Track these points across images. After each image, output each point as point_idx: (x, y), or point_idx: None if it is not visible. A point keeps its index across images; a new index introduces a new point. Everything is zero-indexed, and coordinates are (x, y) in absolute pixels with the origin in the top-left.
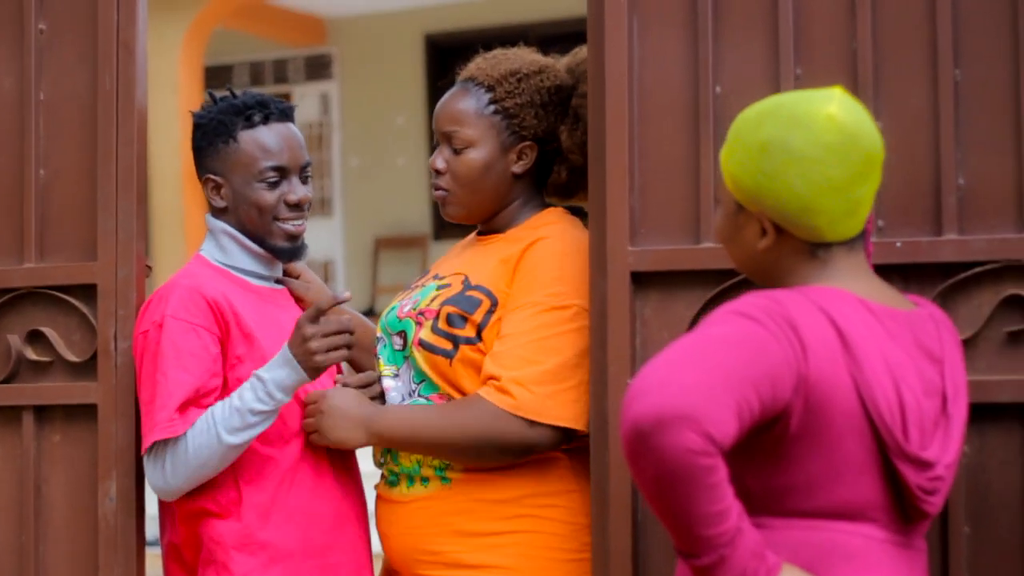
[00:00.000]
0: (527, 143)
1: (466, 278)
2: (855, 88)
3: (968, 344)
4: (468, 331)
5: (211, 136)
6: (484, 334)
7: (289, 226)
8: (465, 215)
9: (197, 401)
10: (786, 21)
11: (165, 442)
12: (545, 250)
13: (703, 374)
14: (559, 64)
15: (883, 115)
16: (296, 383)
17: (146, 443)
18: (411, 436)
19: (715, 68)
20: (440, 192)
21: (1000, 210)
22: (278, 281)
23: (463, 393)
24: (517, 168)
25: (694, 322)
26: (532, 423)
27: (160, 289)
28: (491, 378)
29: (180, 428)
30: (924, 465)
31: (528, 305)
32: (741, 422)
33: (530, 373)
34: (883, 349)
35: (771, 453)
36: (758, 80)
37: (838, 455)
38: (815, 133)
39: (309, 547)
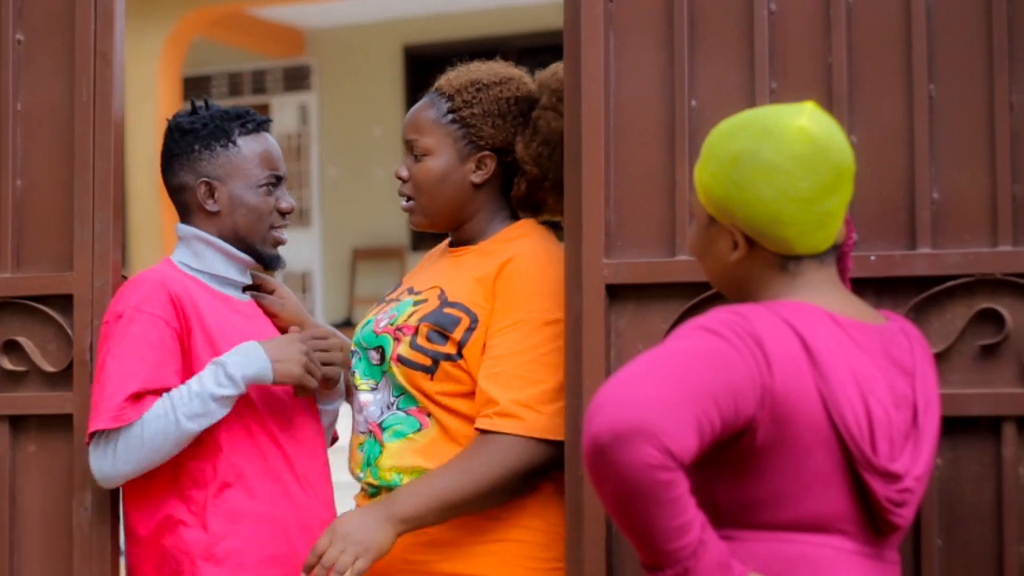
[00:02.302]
0: (486, 153)
1: (442, 293)
2: (830, 103)
3: (941, 357)
4: (448, 348)
5: (208, 140)
6: (465, 351)
7: (280, 233)
8: (428, 223)
9: (150, 395)
10: (761, 36)
11: (115, 429)
12: (522, 266)
13: (663, 388)
14: (535, 77)
15: (858, 129)
16: (257, 374)
17: (92, 427)
18: (441, 506)
19: (691, 82)
20: (404, 202)
21: (974, 224)
22: (247, 290)
23: (441, 407)
24: (475, 178)
25: (668, 334)
26: (549, 443)
27: (126, 283)
28: (490, 401)
29: (131, 416)
30: (892, 477)
31: (518, 324)
32: (701, 437)
33: (534, 393)
34: (851, 362)
35: (739, 467)
36: (733, 94)
37: (806, 468)
38: (786, 144)
39: (275, 556)
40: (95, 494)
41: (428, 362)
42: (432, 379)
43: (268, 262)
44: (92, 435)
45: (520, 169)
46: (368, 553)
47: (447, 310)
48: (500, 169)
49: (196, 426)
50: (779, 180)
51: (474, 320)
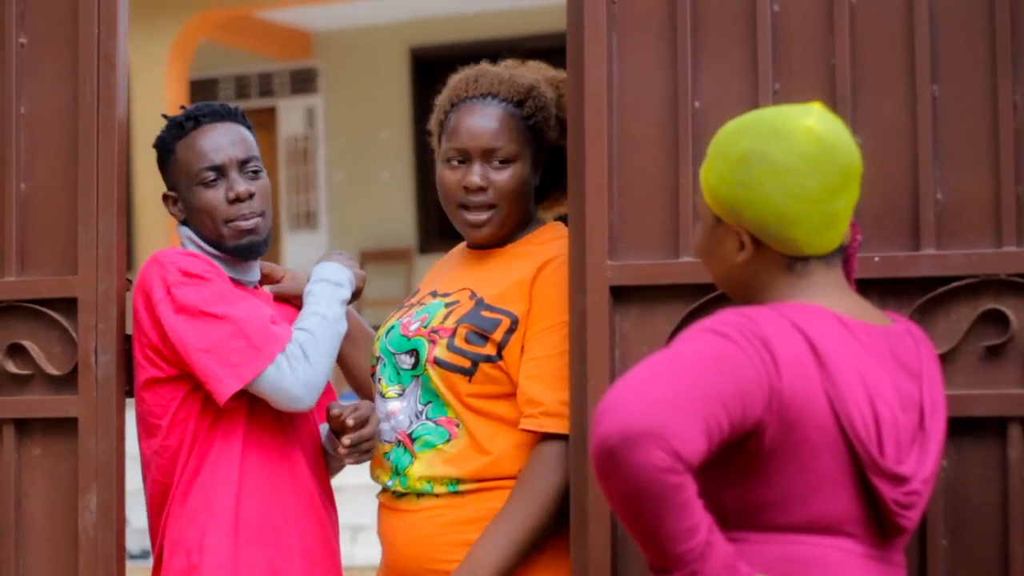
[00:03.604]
0: (542, 155)
1: (475, 295)
2: (833, 103)
3: (946, 359)
4: (488, 349)
5: (161, 155)
6: (504, 353)
7: (239, 223)
8: (501, 233)
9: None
10: (764, 37)
11: (290, 346)
12: (562, 268)
13: (671, 391)
14: (549, 77)
15: (861, 130)
16: (351, 275)
17: (272, 356)
18: (520, 545)
19: (694, 84)
20: (486, 212)
21: (978, 225)
22: (263, 283)
23: (472, 411)
24: (537, 181)
25: (673, 336)
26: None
27: (149, 265)
28: (533, 402)
29: (287, 333)
30: (900, 480)
31: (558, 326)
32: (710, 440)
33: None
34: (858, 364)
35: (746, 469)
36: (737, 96)
37: (814, 470)
38: (794, 144)
39: (272, 530)
40: (100, 497)
41: (467, 364)
42: (470, 381)
43: (239, 254)
44: (269, 368)
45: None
46: None
47: (485, 313)
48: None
49: (343, 328)
50: (788, 180)
51: (515, 322)
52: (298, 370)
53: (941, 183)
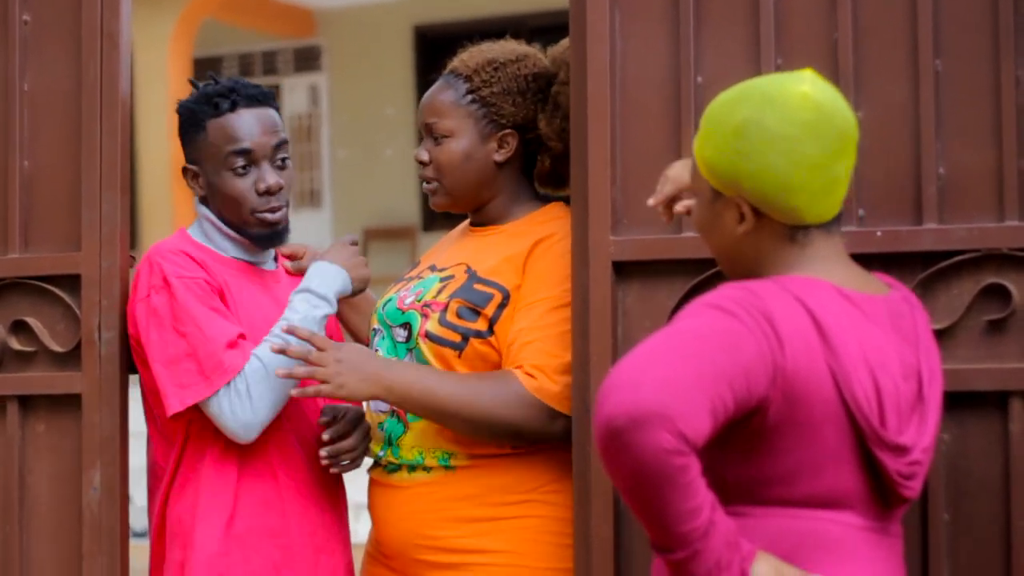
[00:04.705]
0: (507, 131)
1: (470, 269)
2: (836, 78)
3: (948, 333)
4: (479, 324)
5: (186, 127)
6: (496, 328)
7: (266, 215)
8: (451, 203)
9: (237, 341)
10: (767, 12)
11: (235, 379)
12: (557, 246)
13: (677, 370)
14: (547, 53)
15: (864, 105)
16: (343, 287)
17: (216, 387)
18: (425, 396)
19: (696, 59)
20: (426, 184)
21: (980, 199)
22: (285, 259)
23: None
24: (498, 156)
25: (675, 311)
26: (554, 415)
27: (143, 260)
28: (513, 362)
29: (240, 361)
30: (902, 450)
31: (544, 300)
32: (715, 419)
33: (551, 364)
34: (860, 337)
35: (749, 445)
36: (739, 71)
37: (816, 445)
38: (790, 111)
39: (270, 528)
40: (104, 474)
41: (457, 339)
42: (460, 356)
43: (259, 242)
44: (211, 399)
45: (543, 146)
46: (341, 391)
47: (478, 286)
48: (521, 147)
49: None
50: (786, 147)
51: (506, 296)
52: (236, 409)
53: (943, 157)
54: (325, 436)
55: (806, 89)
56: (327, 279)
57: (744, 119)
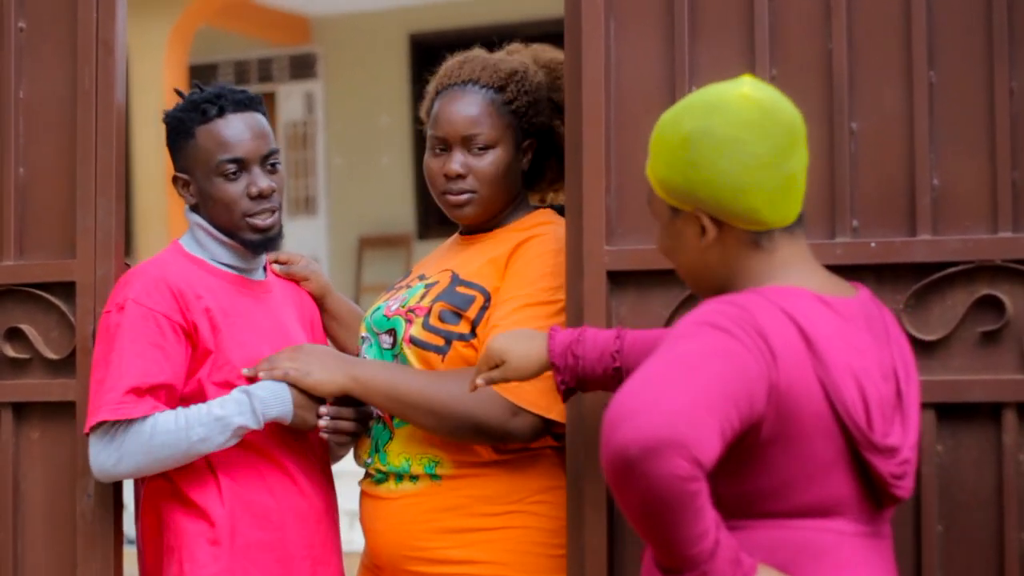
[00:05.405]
0: (530, 140)
1: (454, 274)
2: (830, 89)
3: (942, 344)
4: (462, 327)
5: (174, 135)
6: (478, 330)
7: (257, 220)
8: (483, 213)
9: (150, 391)
10: (762, 22)
11: (118, 424)
12: (539, 247)
13: (684, 396)
14: (534, 60)
15: (858, 115)
16: (280, 415)
17: (91, 421)
18: (390, 390)
19: (691, 69)
20: (464, 195)
21: (974, 211)
22: (275, 263)
23: None
24: (525, 165)
25: (670, 321)
26: (516, 411)
27: (126, 274)
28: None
29: (132, 411)
30: (891, 452)
31: (518, 298)
32: (724, 441)
33: None
34: (844, 344)
35: (740, 461)
36: None
37: (807, 457)
38: (733, 114)
39: (264, 539)
40: (98, 481)
41: (441, 342)
42: (444, 360)
43: (252, 248)
44: (93, 428)
45: (551, 152)
46: (308, 379)
47: (460, 289)
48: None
49: (205, 448)
50: (735, 150)
51: (487, 298)
52: (100, 453)
53: (937, 169)
54: (323, 422)
55: (746, 91)
56: (273, 400)
57: (690, 130)
